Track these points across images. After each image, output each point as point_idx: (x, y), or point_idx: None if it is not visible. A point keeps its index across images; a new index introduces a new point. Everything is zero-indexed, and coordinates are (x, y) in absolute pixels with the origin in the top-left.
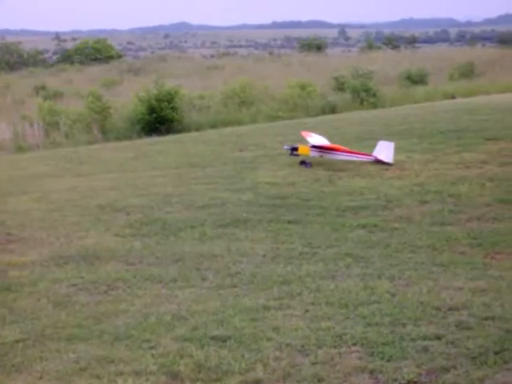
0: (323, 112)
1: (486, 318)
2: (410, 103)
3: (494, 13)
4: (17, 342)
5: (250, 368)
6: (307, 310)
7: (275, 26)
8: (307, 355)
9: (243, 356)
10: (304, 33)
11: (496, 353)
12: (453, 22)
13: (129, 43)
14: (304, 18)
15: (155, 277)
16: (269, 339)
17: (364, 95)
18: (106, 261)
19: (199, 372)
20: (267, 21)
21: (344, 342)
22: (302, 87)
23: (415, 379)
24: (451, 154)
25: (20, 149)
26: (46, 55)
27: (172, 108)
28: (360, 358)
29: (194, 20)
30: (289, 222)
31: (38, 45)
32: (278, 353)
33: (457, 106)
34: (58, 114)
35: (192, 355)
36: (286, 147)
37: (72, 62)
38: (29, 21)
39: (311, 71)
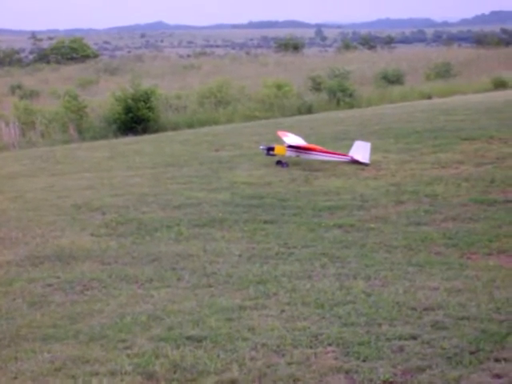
0: (299, 112)
1: (462, 318)
2: (386, 103)
3: (470, 13)
4: None
5: (226, 368)
6: (283, 310)
7: (252, 25)
8: (283, 355)
9: (219, 356)
10: (281, 33)
11: (471, 353)
12: (429, 23)
13: (105, 42)
14: (281, 17)
15: (131, 277)
16: (244, 339)
17: (340, 95)
18: (81, 260)
19: (175, 372)
20: (244, 21)
21: (320, 342)
22: (279, 87)
23: (391, 379)
24: (427, 154)
25: None
26: (22, 54)
27: (148, 108)
28: (336, 358)
29: (171, 20)
30: (265, 222)
31: (13, 44)
32: (253, 353)
33: (433, 106)
34: (33, 113)
35: (167, 355)
36: (262, 147)
37: (48, 62)
38: (5, 20)
39: (288, 71)
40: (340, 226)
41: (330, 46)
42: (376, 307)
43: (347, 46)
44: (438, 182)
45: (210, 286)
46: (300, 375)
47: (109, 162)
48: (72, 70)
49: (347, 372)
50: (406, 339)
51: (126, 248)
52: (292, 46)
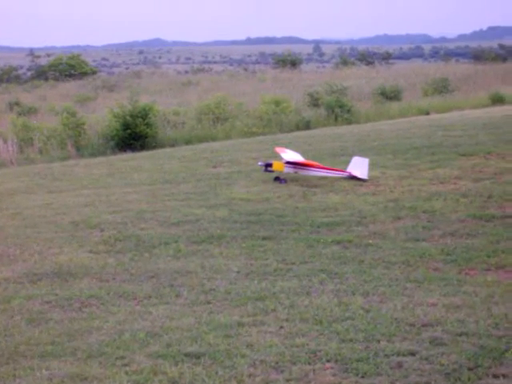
0: (297, 128)
1: (460, 334)
2: (384, 119)
3: (467, 29)
4: None
5: None
6: (281, 327)
7: (250, 42)
8: (282, 372)
9: (217, 373)
10: (278, 49)
11: (470, 369)
12: (427, 38)
13: (103, 59)
14: (278, 34)
15: (129, 293)
16: (243, 356)
17: (339, 111)
18: (79, 277)
19: None
20: (242, 37)
21: (318, 359)
22: (277, 103)
23: None
24: (425, 170)
25: None
26: (20, 71)
27: (146, 124)
28: (334, 375)
29: (169, 36)
30: (263, 239)
31: (11, 61)
32: (252, 369)
33: (431, 122)
34: (32, 130)
35: (166, 372)
36: (260, 163)
37: (46, 78)
38: (2, 37)
39: (286, 87)
40: (338, 242)
41: (327, 61)
42: (374, 323)
43: (345, 62)
44: (436, 197)
45: (209, 303)
46: None
47: (107, 178)
48: (70, 86)
49: None
50: (404, 355)
51: (124, 265)
52: (290, 62)
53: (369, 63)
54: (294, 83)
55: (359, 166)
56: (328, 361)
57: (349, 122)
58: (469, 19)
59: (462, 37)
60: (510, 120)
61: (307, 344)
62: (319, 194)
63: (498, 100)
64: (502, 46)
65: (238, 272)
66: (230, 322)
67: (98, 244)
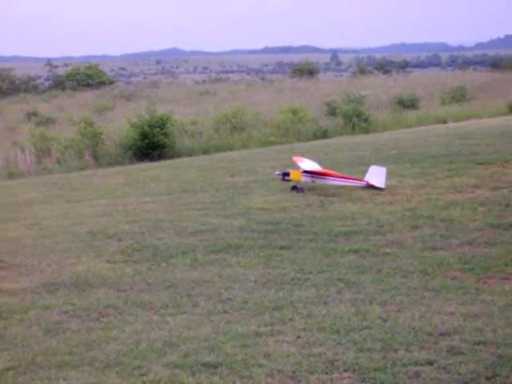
0: (315, 137)
1: (478, 343)
2: (401, 128)
3: (485, 37)
4: (7, 369)
5: None
6: (299, 336)
7: (267, 51)
8: (299, 381)
9: (234, 383)
10: (296, 58)
11: (488, 378)
12: (444, 47)
13: (121, 69)
14: (295, 43)
15: (146, 303)
16: (260, 365)
17: (356, 120)
18: (97, 287)
19: None
20: (259, 46)
21: (336, 368)
22: (294, 112)
23: None
24: (443, 179)
25: (11, 175)
26: (38, 81)
27: (164, 134)
28: None
29: (186, 45)
30: (280, 248)
31: (30, 71)
32: (269, 379)
33: (448, 131)
34: (49, 140)
35: (183, 382)
36: (277, 172)
37: (64, 88)
38: (21, 47)
39: (303, 96)
40: (356, 252)
41: (345, 70)
42: (392, 332)
43: (362, 71)
44: (453, 206)
45: (226, 313)
46: None
47: (124, 188)
48: (88, 96)
49: None
50: (422, 365)
51: (141, 274)
52: (307, 71)
53: (386, 72)
54: (312, 92)
55: (376, 175)
56: (345, 370)
57: (366, 131)
58: (486, 27)
59: (479, 45)
60: None
61: (324, 353)
62: (337, 203)
63: None
64: None
65: (256, 281)
66: (247, 331)
67: (115, 254)
